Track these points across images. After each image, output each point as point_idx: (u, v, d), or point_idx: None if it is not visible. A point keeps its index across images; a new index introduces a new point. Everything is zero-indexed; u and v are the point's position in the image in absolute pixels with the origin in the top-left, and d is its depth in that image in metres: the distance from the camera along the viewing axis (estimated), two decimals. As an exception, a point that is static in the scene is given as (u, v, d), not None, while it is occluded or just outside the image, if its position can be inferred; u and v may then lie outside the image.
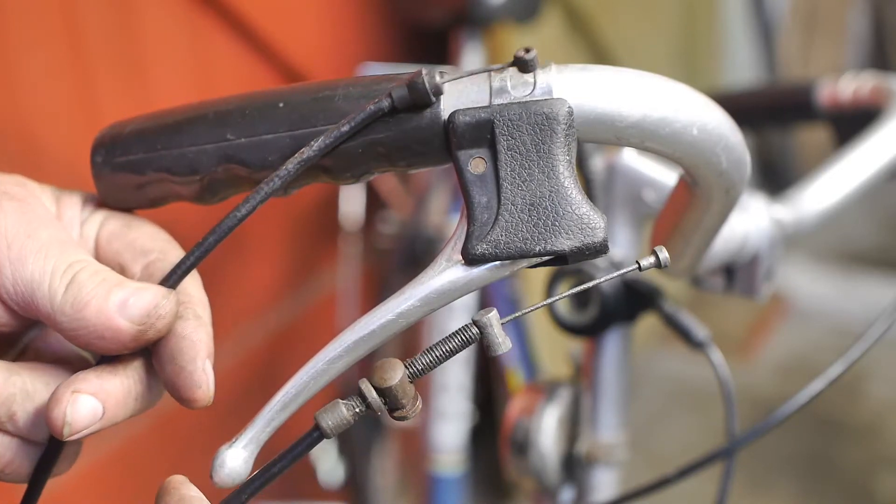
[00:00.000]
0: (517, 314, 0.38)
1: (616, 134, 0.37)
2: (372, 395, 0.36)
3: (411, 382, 0.36)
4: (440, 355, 0.36)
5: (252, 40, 1.38)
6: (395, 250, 1.47)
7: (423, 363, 0.36)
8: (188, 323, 0.40)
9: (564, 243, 0.36)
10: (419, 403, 0.37)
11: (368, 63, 1.52)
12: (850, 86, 0.84)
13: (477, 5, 1.38)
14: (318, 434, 0.36)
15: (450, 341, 0.36)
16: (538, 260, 0.37)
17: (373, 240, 1.55)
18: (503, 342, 0.36)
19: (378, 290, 1.57)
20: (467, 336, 0.36)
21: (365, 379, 0.36)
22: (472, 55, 1.42)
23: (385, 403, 0.36)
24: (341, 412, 0.36)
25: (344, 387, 1.57)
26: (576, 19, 1.98)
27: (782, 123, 0.95)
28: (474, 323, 0.36)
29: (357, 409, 0.36)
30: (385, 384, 0.35)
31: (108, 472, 1.21)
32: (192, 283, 0.43)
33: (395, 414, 0.36)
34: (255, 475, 0.37)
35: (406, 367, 0.36)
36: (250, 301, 1.49)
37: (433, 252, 1.38)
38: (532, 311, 0.38)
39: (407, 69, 0.41)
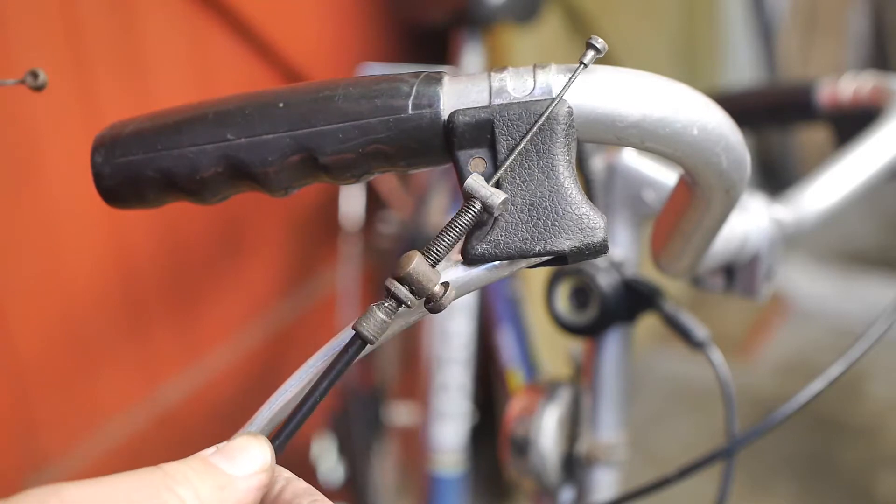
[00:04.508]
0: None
1: (616, 134, 0.38)
2: (396, 286, 0.36)
3: (433, 266, 0.36)
4: (454, 234, 0.37)
5: (252, 40, 1.38)
6: (395, 250, 1.47)
7: (439, 245, 0.36)
8: None
9: (564, 243, 0.36)
10: (451, 292, 0.37)
11: (368, 63, 1.52)
12: (850, 86, 0.84)
13: (477, 5, 1.38)
14: (360, 342, 0.36)
15: (460, 218, 0.37)
16: (538, 260, 0.37)
17: (373, 240, 1.55)
18: (494, 194, 0.36)
19: (378, 290, 1.57)
20: (473, 210, 0.36)
21: (396, 283, 0.36)
22: (472, 55, 1.42)
23: (413, 293, 0.36)
24: (376, 315, 0.36)
25: (343, 385, 1.56)
26: (576, 19, 1.98)
27: (782, 123, 0.95)
28: (467, 196, 0.37)
29: (388, 306, 0.36)
30: (404, 271, 0.35)
31: (108, 473, 1.21)
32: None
33: (429, 305, 0.36)
34: (301, 401, 0.37)
35: (423, 252, 0.36)
36: (250, 301, 1.49)
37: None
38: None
39: (407, 69, 0.41)
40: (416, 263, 0.35)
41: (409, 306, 0.36)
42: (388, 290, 0.36)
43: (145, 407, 1.31)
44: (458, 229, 0.36)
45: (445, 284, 0.36)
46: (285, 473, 0.37)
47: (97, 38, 1.14)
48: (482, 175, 0.37)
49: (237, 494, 0.34)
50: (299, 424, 0.37)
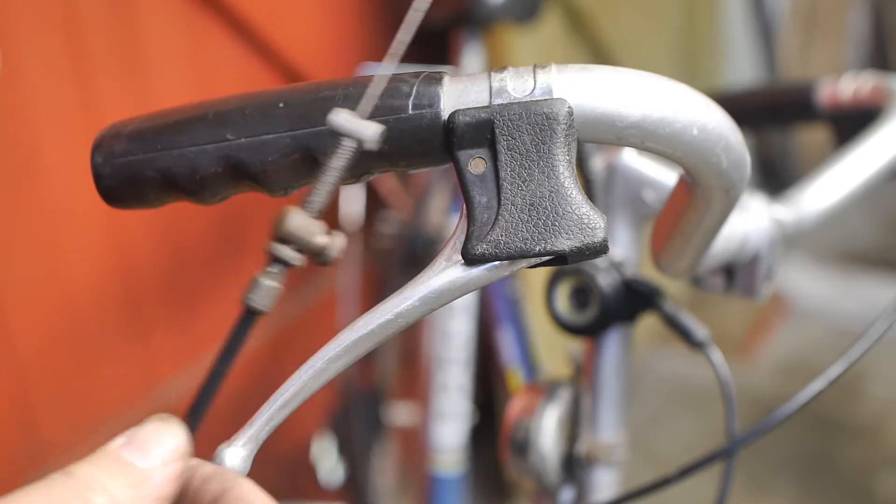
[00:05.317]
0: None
1: (616, 134, 0.38)
2: (278, 248, 0.34)
3: (317, 219, 0.34)
4: (331, 180, 0.35)
5: (252, 40, 1.38)
6: (395, 250, 1.47)
7: (316, 194, 0.35)
8: None
9: (564, 243, 0.36)
10: (340, 240, 0.35)
11: (368, 63, 1.52)
12: (850, 86, 0.84)
13: (477, 6, 1.38)
14: (250, 314, 0.35)
15: (335, 161, 0.35)
16: (538, 260, 0.37)
17: (373, 240, 1.55)
18: (366, 127, 0.35)
19: (378, 290, 1.57)
20: (347, 149, 0.35)
21: (277, 244, 0.34)
22: (472, 55, 1.42)
23: (299, 250, 0.34)
24: (263, 283, 0.34)
25: (343, 385, 1.56)
26: (576, 19, 1.98)
27: (782, 123, 0.95)
28: (335, 131, 0.35)
29: (274, 271, 0.34)
30: (284, 229, 0.34)
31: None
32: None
33: (318, 260, 0.35)
34: (205, 381, 0.35)
35: (302, 206, 0.34)
36: (250, 301, 1.49)
37: (433, 252, 1.38)
38: None
39: (407, 69, 0.41)
40: (296, 219, 0.34)
41: (296, 266, 0.34)
42: (272, 254, 0.34)
43: (145, 406, 1.31)
44: (334, 173, 0.35)
45: (332, 233, 0.34)
46: (191, 461, 0.36)
47: (97, 37, 1.14)
48: (481, 174, 0.37)
49: (153, 490, 0.32)
50: (206, 404, 0.36)
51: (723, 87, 2.80)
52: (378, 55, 1.59)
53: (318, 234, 0.34)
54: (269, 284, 0.34)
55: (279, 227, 0.34)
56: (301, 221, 0.34)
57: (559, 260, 0.37)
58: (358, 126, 0.35)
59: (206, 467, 0.36)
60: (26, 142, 1.08)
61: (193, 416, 0.36)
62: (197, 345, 1.40)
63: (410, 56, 1.65)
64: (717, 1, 2.90)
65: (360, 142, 0.35)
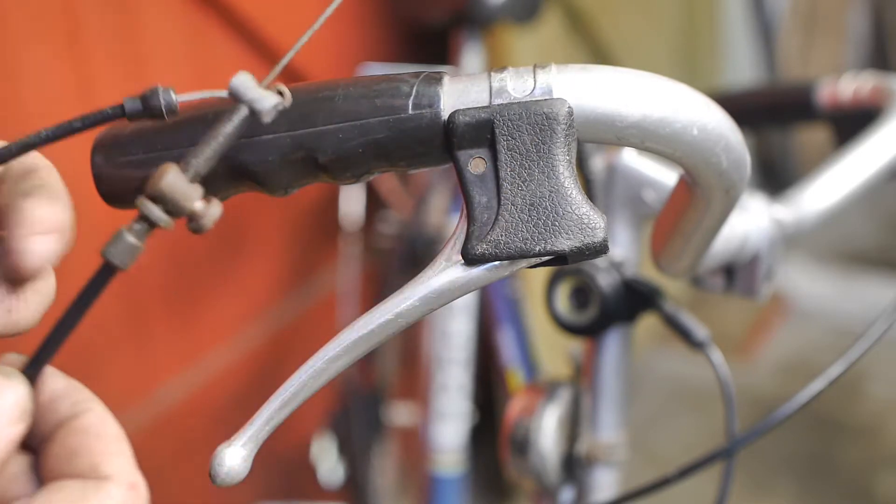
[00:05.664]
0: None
1: (616, 134, 0.38)
2: (147, 206, 0.32)
3: (194, 182, 0.32)
4: (216, 144, 0.33)
5: (252, 40, 1.38)
6: (395, 250, 1.47)
7: (198, 156, 0.32)
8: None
9: (564, 243, 0.36)
10: (216, 209, 0.33)
11: (368, 63, 1.52)
12: (849, 86, 0.84)
13: (477, 5, 1.38)
14: (108, 269, 0.33)
15: (223, 125, 0.33)
16: (538, 260, 0.37)
17: (373, 240, 1.55)
18: (264, 97, 0.33)
19: (378, 290, 1.57)
20: (239, 115, 0.33)
21: (148, 203, 0.32)
22: (472, 55, 1.43)
23: (169, 212, 0.32)
24: (125, 238, 0.32)
25: (343, 385, 1.56)
26: (576, 19, 1.98)
27: (782, 123, 0.95)
28: (232, 95, 0.33)
29: (138, 228, 0.32)
30: (156, 187, 0.31)
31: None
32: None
33: (191, 225, 0.33)
34: (54, 330, 0.34)
35: (180, 165, 0.32)
36: (250, 301, 1.50)
37: (433, 252, 1.38)
38: None
39: (407, 69, 0.41)
40: (171, 178, 0.31)
41: (163, 227, 0.32)
42: (140, 210, 0.32)
43: (145, 407, 1.31)
44: (220, 138, 0.33)
45: (209, 199, 0.33)
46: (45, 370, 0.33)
47: (97, 37, 1.14)
48: (481, 174, 0.37)
49: None
50: (48, 357, 0.34)
51: (723, 87, 2.80)
52: (378, 55, 1.59)
53: (193, 199, 0.32)
54: (132, 242, 0.32)
55: (153, 184, 0.31)
56: (176, 182, 0.31)
57: (559, 260, 0.37)
58: (257, 94, 0.33)
59: (57, 381, 0.34)
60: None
61: (34, 368, 0.34)
62: (197, 345, 1.40)
63: (410, 56, 1.66)
64: (717, 1, 2.90)
65: (253, 112, 0.33)
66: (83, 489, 0.31)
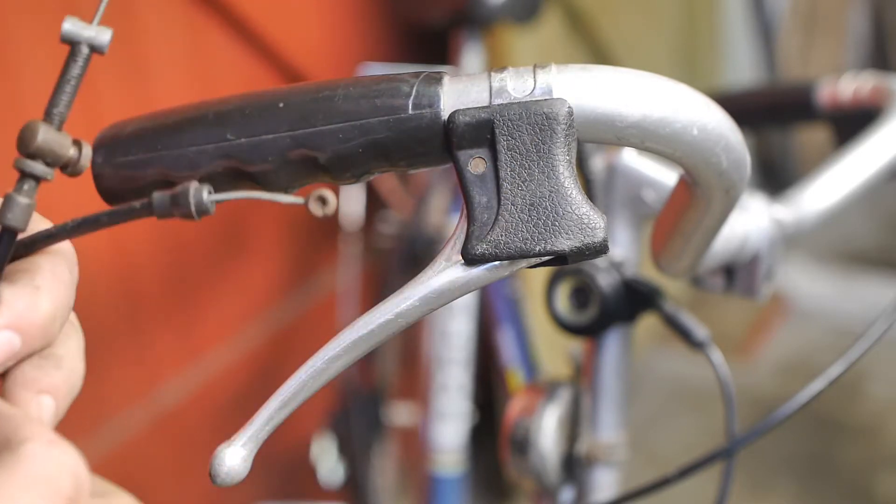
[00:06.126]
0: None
1: (616, 134, 0.38)
2: (28, 164, 0.33)
3: (60, 129, 0.34)
4: (70, 88, 0.34)
5: (252, 40, 1.38)
6: (395, 250, 1.47)
7: (58, 104, 0.34)
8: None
9: (564, 243, 0.36)
10: (87, 149, 0.35)
11: (368, 63, 1.52)
12: (849, 86, 0.84)
13: (477, 5, 1.38)
14: (10, 233, 0.34)
15: (70, 70, 0.35)
16: (538, 260, 0.37)
17: (373, 240, 1.55)
18: (100, 32, 0.35)
19: (378, 290, 1.57)
20: (82, 56, 0.35)
21: (27, 160, 0.34)
22: (472, 55, 1.43)
23: (48, 164, 0.34)
24: (18, 200, 0.34)
25: (343, 385, 1.56)
26: (576, 19, 1.98)
27: (782, 123, 0.95)
28: (67, 40, 0.35)
29: (27, 188, 0.34)
30: (33, 145, 0.33)
31: (107, 473, 1.21)
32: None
33: (68, 171, 0.35)
34: None
35: (45, 119, 0.34)
36: (250, 301, 1.50)
37: (433, 252, 1.38)
38: None
39: (407, 69, 0.41)
40: (43, 132, 0.33)
41: (48, 179, 0.34)
42: (22, 170, 0.34)
43: (145, 407, 1.31)
44: (72, 82, 0.34)
45: (78, 143, 0.34)
46: None
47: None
48: (481, 174, 0.37)
49: None
50: None
51: (723, 87, 2.80)
52: (378, 55, 1.59)
53: (68, 147, 0.34)
54: (24, 201, 0.34)
55: (29, 143, 0.33)
56: (51, 135, 0.33)
57: (559, 260, 0.37)
58: (92, 31, 0.35)
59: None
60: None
61: None
62: (197, 345, 1.40)
63: (410, 56, 1.66)
64: (717, 1, 2.90)
65: (92, 47, 0.35)
66: None
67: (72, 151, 0.34)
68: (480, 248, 0.37)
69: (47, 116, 0.34)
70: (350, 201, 1.49)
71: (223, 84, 1.36)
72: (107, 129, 0.43)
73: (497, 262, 0.37)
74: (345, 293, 1.48)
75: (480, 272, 0.37)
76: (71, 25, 0.34)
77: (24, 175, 0.34)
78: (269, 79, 1.43)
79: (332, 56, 1.55)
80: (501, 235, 0.37)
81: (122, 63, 1.19)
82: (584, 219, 0.36)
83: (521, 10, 1.44)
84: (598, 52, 2.07)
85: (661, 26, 2.51)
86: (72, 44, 0.34)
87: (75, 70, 0.34)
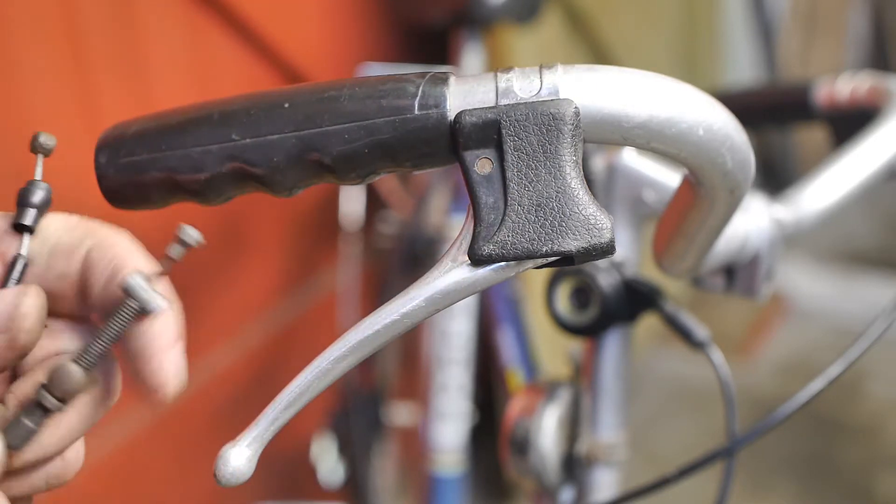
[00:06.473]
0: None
1: (622, 134, 0.37)
2: (47, 399, 0.37)
3: (87, 369, 0.38)
4: (110, 338, 0.38)
5: (252, 40, 1.38)
6: (395, 250, 1.47)
7: (91, 353, 0.38)
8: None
9: (571, 244, 0.36)
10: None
11: (368, 63, 1.52)
12: (846, 86, 0.84)
13: (477, 5, 1.38)
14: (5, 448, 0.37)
15: (115, 321, 0.38)
16: (545, 261, 0.37)
17: (373, 240, 1.55)
18: (154, 299, 0.38)
19: (378, 290, 1.57)
20: (129, 310, 0.38)
21: (42, 390, 0.37)
22: (472, 55, 1.43)
23: (61, 399, 0.37)
24: (24, 424, 0.37)
25: (343, 385, 1.55)
26: (576, 19, 1.98)
27: (779, 123, 0.95)
28: (126, 291, 0.38)
29: (37, 415, 0.37)
30: (64, 387, 0.37)
31: (108, 473, 1.22)
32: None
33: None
34: None
35: (79, 363, 0.38)
36: (250, 301, 1.50)
37: (433, 252, 1.38)
38: None
39: (407, 69, 0.41)
40: (76, 377, 0.37)
41: (54, 411, 0.37)
42: (39, 401, 0.37)
43: (145, 406, 1.31)
44: (112, 335, 0.38)
45: (94, 380, 0.39)
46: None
47: (97, 37, 1.14)
48: (487, 175, 0.37)
49: None
50: None
51: (722, 87, 2.80)
52: (378, 55, 1.59)
53: (84, 387, 0.38)
54: (30, 426, 0.37)
55: (57, 384, 0.37)
56: (81, 380, 0.37)
57: (566, 260, 0.37)
58: (150, 296, 0.38)
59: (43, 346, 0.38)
60: (27, 143, 1.08)
61: None
62: (197, 345, 1.40)
63: (410, 56, 1.66)
64: (717, 1, 2.90)
65: (145, 310, 0.38)
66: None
67: (89, 388, 0.39)
68: (487, 249, 0.37)
69: (78, 357, 0.38)
70: (350, 201, 1.49)
71: (223, 84, 1.36)
72: (110, 130, 0.43)
73: (504, 263, 0.37)
74: (345, 293, 1.48)
75: (487, 273, 0.37)
76: (134, 282, 0.38)
77: (38, 404, 0.37)
78: (269, 79, 1.43)
79: (332, 56, 1.55)
80: (508, 236, 0.37)
81: (123, 63, 1.19)
82: (591, 219, 0.36)
83: (521, 10, 1.44)
84: (597, 52, 2.08)
85: (661, 26, 2.51)
86: (126, 295, 0.38)
87: (118, 326, 0.38)
